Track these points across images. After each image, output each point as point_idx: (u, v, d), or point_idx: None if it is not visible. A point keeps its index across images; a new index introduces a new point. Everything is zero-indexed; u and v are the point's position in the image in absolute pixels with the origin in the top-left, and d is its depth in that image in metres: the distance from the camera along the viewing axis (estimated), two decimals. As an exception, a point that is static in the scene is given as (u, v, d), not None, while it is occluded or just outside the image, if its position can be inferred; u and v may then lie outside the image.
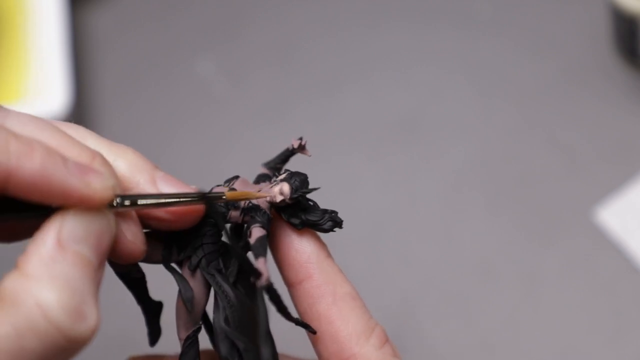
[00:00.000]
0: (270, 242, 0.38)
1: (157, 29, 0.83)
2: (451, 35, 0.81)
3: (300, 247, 0.38)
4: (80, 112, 0.78)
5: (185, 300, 0.37)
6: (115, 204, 0.34)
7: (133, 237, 0.35)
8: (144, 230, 0.37)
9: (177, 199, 0.36)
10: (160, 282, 0.41)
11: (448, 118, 0.77)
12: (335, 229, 0.38)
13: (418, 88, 0.79)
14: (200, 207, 0.37)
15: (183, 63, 0.81)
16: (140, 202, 0.35)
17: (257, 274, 0.35)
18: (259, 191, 0.38)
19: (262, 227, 0.37)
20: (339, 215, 0.38)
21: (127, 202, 0.34)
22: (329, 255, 0.39)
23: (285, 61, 0.81)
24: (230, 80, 0.81)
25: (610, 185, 0.73)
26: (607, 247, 0.71)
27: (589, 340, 0.68)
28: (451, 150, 0.76)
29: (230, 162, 0.76)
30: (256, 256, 0.35)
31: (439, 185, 0.75)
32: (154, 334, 0.41)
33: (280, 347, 0.38)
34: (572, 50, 0.79)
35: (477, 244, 0.72)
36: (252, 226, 0.37)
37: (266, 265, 0.35)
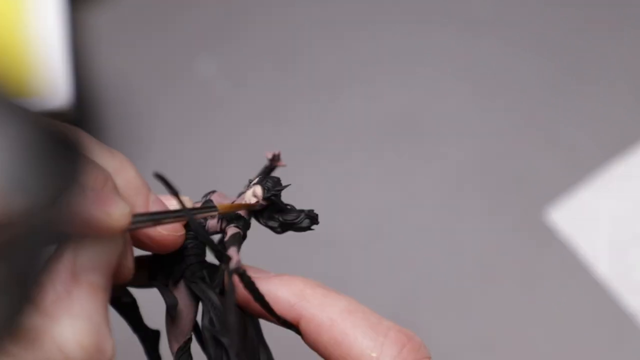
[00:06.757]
0: (253, 305, 0.37)
1: (157, 28, 0.83)
2: (451, 35, 0.81)
3: (278, 296, 0.37)
4: (80, 111, 0.78)
5: (169, 308, 0.36)
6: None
7: (126, 258, 0.34)
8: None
9: (167, 216, 0.35)
10: (155, 311, 0.40)
11: (448, 118, 0.78)
12: (313, 227, 0.38)
13: (418, 88, 0.79)
14: (181, 233, 0.36)
15: (183, 63, 0.81)
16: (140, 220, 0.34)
17: (227, 258, 0.35)
18: (234, 202, 0.38)
19: (237, 227, 0.37)
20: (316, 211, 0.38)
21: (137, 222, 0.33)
22: (313, 285, 0.37)
23: (286, 62, 0.81)
24: (231, 80, 0.81)
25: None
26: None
27: (587, 339, 0.69)
28: (451, 149, 0.76)
29: (230, 161, 0.76)
30: (228, 246, 0.36)
31: (439, 184, 0.75)
32: None
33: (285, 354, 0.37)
34: (572, 50, 0.80)
35: (476, 242, 0.72)
36: (228, 227, 0.37)
37: (237, 253, 0.35)
